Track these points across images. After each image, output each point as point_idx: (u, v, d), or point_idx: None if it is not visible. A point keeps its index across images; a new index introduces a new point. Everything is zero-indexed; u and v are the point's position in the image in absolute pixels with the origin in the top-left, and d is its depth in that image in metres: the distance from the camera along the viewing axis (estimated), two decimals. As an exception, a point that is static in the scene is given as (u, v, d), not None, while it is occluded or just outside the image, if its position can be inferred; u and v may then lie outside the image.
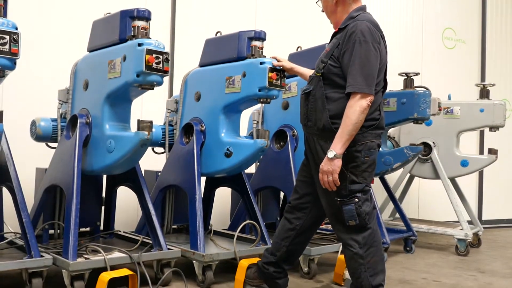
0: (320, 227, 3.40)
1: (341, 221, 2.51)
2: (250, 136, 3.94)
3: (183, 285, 2.98)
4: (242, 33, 3.27)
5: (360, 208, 2.44)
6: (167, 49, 2.80)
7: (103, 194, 3.53)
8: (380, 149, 2.83)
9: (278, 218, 4.12)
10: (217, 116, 3.32)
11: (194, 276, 3.12)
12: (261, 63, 3.10)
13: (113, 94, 2.88)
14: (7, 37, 2.35)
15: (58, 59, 3.91)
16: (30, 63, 3.70)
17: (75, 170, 2.84)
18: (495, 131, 4.94)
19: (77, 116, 3.01)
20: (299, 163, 2.90)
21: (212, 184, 3.82)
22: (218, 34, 3.51)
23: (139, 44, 2.68)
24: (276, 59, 3.13)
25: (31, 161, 3.55)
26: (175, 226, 3.91)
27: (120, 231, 3.56)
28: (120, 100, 2.93)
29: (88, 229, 3.51)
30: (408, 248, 4.65)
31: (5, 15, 2.44)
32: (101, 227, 3.53)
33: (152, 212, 3.12)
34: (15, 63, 2.42)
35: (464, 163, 4.93)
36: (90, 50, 3.17)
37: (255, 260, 3.04)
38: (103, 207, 3.54)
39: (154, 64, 2.67)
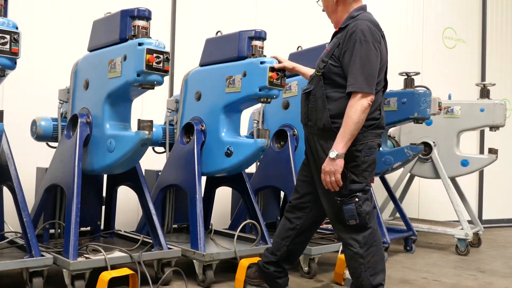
0: (321, 226, 3.40)
1: (341, 220, 2.51)
2: (251, 135, 3.94)
3: (183, 285, 2.98)
4: (243, 32, 3.27)
5: (361, 207, 2.45)
6: (168, 49, 2.81)
7: (104, 194, 3.53)
8: (381, 148, 2.84)
9: (279, 218, 4.13)
10: (217, 115, 3.32)
11: (194, 275, 3.13)
12: (262, 62, 3.09)
13: (113, 94, 2.88)
14: (8, 36, 2.35)
15: (58, 59, 3.91)
16: (31, 62, 3.70)
17: (75, 170, 2.84)
18: (495, 130, 4.94)
19: (78, 115, 3.01)
20: (300, 163, 2.90)
21: (213, 184, 3.82)
22: (219, 34, 3.51)
23: (140, 44, 2.68)
24: (277, 59, 3.13)
25: (32, 160, 3.55)
26: (175, 226, 3.91)
27: (120, 231, 3.56)
28: (120, 99, 2.94)
29: (88, 228, 3.51)
30: (408, 248, 4.65)
31: (5, 15, 2.45)
32: (102, 227, 3.54)
33: (153, 211, 3.12)
34: (15, 63, 2.42)
35: (465, 163, 4.93)
36: (91, 49, 3.17)
37: (255, 259, 3.04)
38: (103, 207, 3.54)
39: (154, 64, 2.67)
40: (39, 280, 2.64)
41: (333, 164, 2.41)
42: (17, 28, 2.40)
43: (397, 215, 5.18)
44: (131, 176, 3.16)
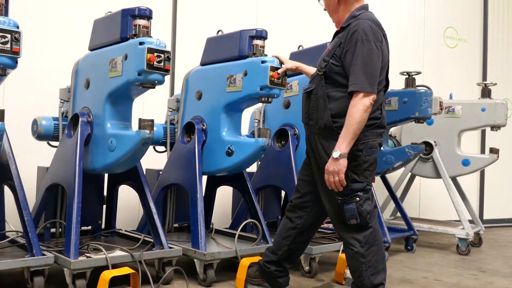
0: (321, 226, 3.40)
1: (342, 220, 2.51)
2: (252, 135, 3.94)
3: (184, 284, 2.98)
4: (244, 31, 3.27)
5: (361, 207, 2.45)
6: (168, 48, 2.81)
7: (105, 193, 3.53)
8: (382, 148, 2.83)
9: (279, 217, 4.13)
10: (218, 115, 3.32)
11: (195, 274, 3.13)
12: (263, 62, 3.09)
13: (114, 93, 2.88)
14: (9, 35, 2.34)
15: (59, 58, 3.91)
16: (32, 62, 3.70)
17: (76, 169, 2.85)
18: (496, 130, 4.93)
19: (79, 114, 3.01)
20: (301, 162, 2.90)
21: (214, 183, 3.82)
22: (220, 33, 3.51)
23: (141, 43, 2.68)
24: (279, 59, 3.12)
25: (33, 159, 3.55)
26: (176, 225, 3.92)
27: (121, 230, 3.56)
28: (121, 98, 2.94)
29: (89, 227, 3.51)
30: (409, 247, 4.65)
31: (6, 14, 2.45)
32: (103, 226, 3.53)
33: (154, 210, 3.12)
34: (16, 62, 2.42)
35: (466, 163, 4.92)
36: (92, 49, 3.17)
37: (256, 258, 3.04)
38: (104, 206, 3.54)
39: (155, 63, 2.67)
40: (40, 279, 2.64)
41: (337, 164, 2.41)
42: (18, 27, 2.40)
43: (398, 214, 5.18)
44: (132, 175, 3.16)
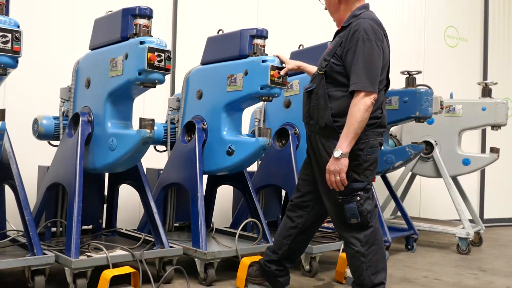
0: (322, 225, 3.40)
1: (342, 219, 2.51)
2: (252, 134, 3.94)
3: (185, 283, 2.99)
4: (244, 31, 3.27)
5: (362, 206, 2.45)
6: (169, 47, 2.81)
7: (105, 192, 3.53)
8: (382, 147, 2.83)
9: (280, 216, 4.13)
10: (219, 114, 3.32)
11: (196, 274, 3.13)
12: (263, 61, 3.09)
13: (115, 92, 2.88)
14: (9, 35, 2.35)
15: (60, 57, 3.91)
16: (32, 61, 3.70)
17: (77, 168, 2.85)
18: (497, 129, 4.93)
19: (79, 114, 3.02)
20: (301, 161, 2.90)
21: (214, 182, 3.82)
22: (220, 32, 3.51)
23: (141, 42, 2.68)
24: (280, 59, 3.12)
25: (33, 159, 3.55)
26: (177, 224, 3.92)
27: (122, 229, 3.56)
28: (122, 98, 2.94)
29: (90, 227, 3.51)
30: (409, 247, 4.65)
31: (7, 13, 2.45)
32: (103, 225, 3.54)
33: (154, 210, 3.13)
34: (17, 61, 2.42)
35: (466, 162, 4.92)
36: (92, 48, 3.18)
37: (257, 258, 3.05)
38: (105, 205, 3.54)
39: (156, 62, 2.67)
40: (41, 278, 2.64)
41: (338, 163, 2.41)
42: (18, 27, 2.40)
43: (398, 213, 5.17)
44: (132, 174, 3.16)
